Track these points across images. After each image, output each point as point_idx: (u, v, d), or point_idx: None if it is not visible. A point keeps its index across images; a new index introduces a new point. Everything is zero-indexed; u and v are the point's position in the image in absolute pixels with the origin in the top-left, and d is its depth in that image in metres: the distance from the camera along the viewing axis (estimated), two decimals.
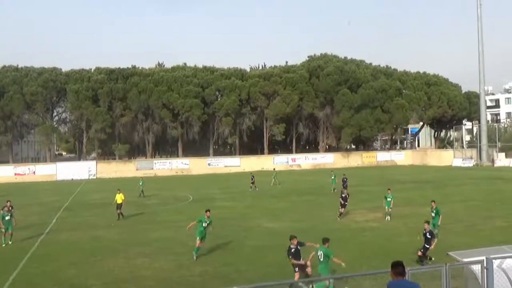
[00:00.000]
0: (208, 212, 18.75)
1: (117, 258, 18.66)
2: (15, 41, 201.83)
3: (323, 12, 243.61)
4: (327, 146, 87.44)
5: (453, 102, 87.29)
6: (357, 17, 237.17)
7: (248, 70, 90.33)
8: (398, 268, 7.04)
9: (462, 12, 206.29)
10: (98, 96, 75.84)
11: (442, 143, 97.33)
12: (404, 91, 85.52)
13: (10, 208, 24.81)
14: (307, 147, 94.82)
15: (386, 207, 25.05)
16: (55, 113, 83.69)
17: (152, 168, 74.92)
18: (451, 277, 8.68)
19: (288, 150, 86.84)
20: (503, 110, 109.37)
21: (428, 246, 15.92)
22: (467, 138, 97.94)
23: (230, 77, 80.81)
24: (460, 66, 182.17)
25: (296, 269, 13.54)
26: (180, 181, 60.64)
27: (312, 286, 13.11)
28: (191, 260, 17.79)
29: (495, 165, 68.97)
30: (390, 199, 25.07)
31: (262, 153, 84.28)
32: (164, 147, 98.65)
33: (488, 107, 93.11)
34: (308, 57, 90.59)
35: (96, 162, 76.17)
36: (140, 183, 42.43)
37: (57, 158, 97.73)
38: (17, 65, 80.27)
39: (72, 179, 69.01)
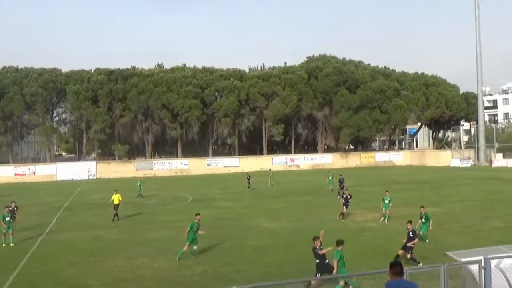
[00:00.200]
0: (198, 216, 18.73)
1: (117, 258, 18.72)
2: (15, 42, 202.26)
3: (321, 13, 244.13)
4: (325, 147, 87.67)
5: (451, 102, 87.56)
6: (356, 18, 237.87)
7: (247, 71, 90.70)
8: (396, 268, 7.08)
9: (460, 13, 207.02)
10: (98, 96, 76.02)
11: (440, 144, 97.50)
12: (402, 91, 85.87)
13: (15, 208, 25.15)
14: (305, 148, 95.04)
15: (384, 209, 24.90)
16: (55, 114, 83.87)
17: (152, 169, 75.21)
18: (449, 277, 8.71)
19: (287, 151, 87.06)
20: (501, 110, 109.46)
21: (413, 246, 16.28)
22: (465, 138, 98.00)
23: (229, 77, 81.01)
24: (458, 67, 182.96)
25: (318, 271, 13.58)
26: (179, 181, 60.77)
27: None
28: (191, 260, 17.89)
29: (492, 166, 69.31)
30: (388, 201, 24.91)
31: (261, 153, 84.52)
32: (164, 148, 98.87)
33: (486, 108, 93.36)
34: (306, 58, 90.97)
35: (96, 163, 76.51)
36: (138, 184, 42.46)
37: (57, 158, 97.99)
38: (17, 66, 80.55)
39: (72, 179, 69.28)
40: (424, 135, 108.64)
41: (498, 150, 73.95)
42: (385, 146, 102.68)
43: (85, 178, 70.66)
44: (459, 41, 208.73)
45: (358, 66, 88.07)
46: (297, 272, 15.46)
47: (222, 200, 38.06)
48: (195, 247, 18.29)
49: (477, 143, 73.57)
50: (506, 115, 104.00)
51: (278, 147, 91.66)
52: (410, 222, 17.09)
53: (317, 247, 13.80)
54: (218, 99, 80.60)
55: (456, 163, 73.51)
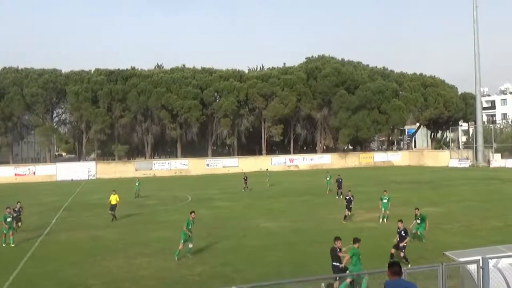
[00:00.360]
0: (193, 214, 18.84)
1: (116, 258, 18.80)
2: (15, 43, 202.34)
3: (320, 14, 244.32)
4: (324, 147, 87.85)
5: (450, 103, 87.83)
6: (354, 19, 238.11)
7: (246, 71, 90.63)
8: (394, 267, 7.11)
9: (458, 14, 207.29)
10: (97, 97, 76.17)
11: (439, 144, 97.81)
12: (401, 92, 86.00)
13: (21, 208, 25.26)
14: (304, 148, 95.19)
15: (383, 209, 24.76)
16: (55, 114, 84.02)
17: (151, 169, 75.43)
18: (448, 276, 8.73)
19: (286, 151, 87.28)
20: (499, 111, 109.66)
21: (405, 245, 16.41)
22: (463, 139, 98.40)
23: (228, 78, 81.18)
24: (457, 68, 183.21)
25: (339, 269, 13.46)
26: (179, 181, 60.94)
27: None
28: (190, 260, 17.99)
29: (491, 166, 69.54)
30: (386, 201, 24.80)
31: (260, 154, 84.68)
32: (163, 148, 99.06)
33: (484, 108, 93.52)
34: (305, 58, 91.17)
35: (96, 163, 76.71)
36: (137, 184, 42.49)
37: (57, 158, 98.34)
38: (17, 67, 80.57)
39: (72, 179, 69.45)
40: (422, 135, 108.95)
41: (496, 151, 74.18)
42: (384, 147, 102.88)
43: (85, 178, 70.82)
44: (457, 42, 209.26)
45: (357, 67, 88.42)
46: (295, 272, 15.66)
47: (221, 200, 38.19)
48: (190, 245, 18.38)
49: (475, 143, 73.76)
50: (504, 115, 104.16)
51: (277, 148, 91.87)
52: (401, 221, 17.26)
53: (338, 248, 13.78)
54: (217, 100, 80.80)
55: (454, 163, 73.72)
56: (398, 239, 16.68)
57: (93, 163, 76.92)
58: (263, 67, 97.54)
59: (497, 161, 70.92)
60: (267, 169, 55.57)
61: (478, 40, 72.46)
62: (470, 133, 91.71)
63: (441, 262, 9.16)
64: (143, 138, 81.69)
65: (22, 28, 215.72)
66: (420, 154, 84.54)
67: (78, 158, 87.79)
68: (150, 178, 66.97)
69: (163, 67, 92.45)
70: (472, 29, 72.88)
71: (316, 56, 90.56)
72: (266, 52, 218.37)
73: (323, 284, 12.73)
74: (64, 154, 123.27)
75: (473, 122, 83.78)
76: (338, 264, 13.62)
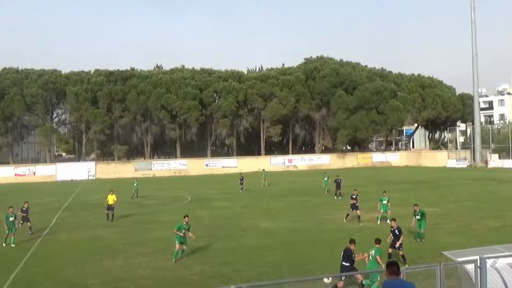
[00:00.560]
0: (186, 218, 18.66)
1: (116, 257, 18.83)
2: (15, 44, 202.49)
3: (319, 15, 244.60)
4: (323, 147, 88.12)
5: (447, 104, 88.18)
6: (353, 20, 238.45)
7: (245, 72, 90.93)
8: (392, 267, 7.17)
9: (456, 15, 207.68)
10: (97, 97, 76.43)
11: (437, 144, 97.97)
12: (399, 93, 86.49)
13: (28, 209, 25.06)
14: (303, 148, 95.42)
15: (382, 210, 24.58)
16: (55, 115, 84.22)
17: (151, 169, 75.74)
18: (445, 276, 8.75)
19: (284, 151, 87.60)
20: (497, 112, 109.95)
21: (401, 243, 16.48)
22: (461, 139, 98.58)
23: (227, 79, 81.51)
24: (454, 69, 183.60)
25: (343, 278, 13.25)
26: (178, 181, 61.05)
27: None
28: (189, 259, 18.06)
29: (488, 166, 69.88)
30: (386, 202, 24.61)
31: (259, 154, 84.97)
32: (163, 148, 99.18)
33: (482, 109, 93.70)
34: (304, 59, 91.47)
35: (96, 163, 76.97)
36: (135, 184, 42.40)
37: (57, 159, 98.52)
38: (18, 67, 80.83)
39: (72, 179, 69.69)
40: (420, 136, 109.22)
41: (494, 151, 74.53)
42: (382, 147, 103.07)
43: (85, 178, 71.06)
44: (455, 43, 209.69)
45: (355, 68, 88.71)
46: (294, 272, 15.77)
47: (220, 200, 38.24)
48: (184, 247, 18.36)
49: (473, 144, 74.14)
50: (502, 116, 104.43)
51: (276, 148, 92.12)
52: (394, 220, 17.42)
53: (352, 251, 13.75)
54: (216, 100, 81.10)
55: (452, 163, 74.05)
56: (392, 238, 16.73)
57: (93, 163, 77.17)
58: (262, 67, 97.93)
59: (494, 161, 71.30)
60: (263, 169, 55.82)
61: (476, 41, 72.98)
62: (468, 133, 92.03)
63: (439, 262, 9.24)
64: (143, 138, 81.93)
65: (22, 29, 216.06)
66: (418, 155, 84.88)
67: (78, 158, 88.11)
68: (149, 178, 67.27)
69: (162, 68, 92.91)
70: (470, 30, 73.27)
71: (315, 57, 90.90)
72: (265, 53, 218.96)
73: (325, 279, 12.55)
74: (64, 154, 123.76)
75: (470, 123, 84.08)
76: (348, 264, 13.56)
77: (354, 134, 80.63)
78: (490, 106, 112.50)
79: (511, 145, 69.94)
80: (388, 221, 24.11)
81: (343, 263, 13.64)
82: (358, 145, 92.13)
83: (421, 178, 52.69)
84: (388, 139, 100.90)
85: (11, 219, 22.10)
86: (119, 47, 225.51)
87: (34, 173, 72.25)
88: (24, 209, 24.88)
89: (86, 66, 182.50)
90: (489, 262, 8.88)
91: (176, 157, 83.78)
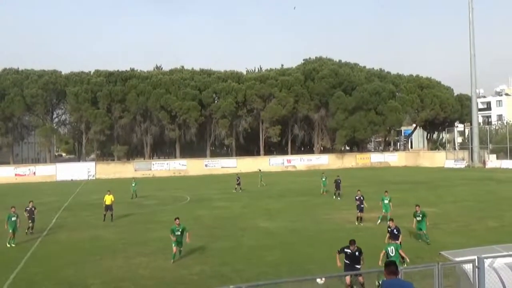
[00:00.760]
0: (177, 220, 18.39)
1: (116, 257, 18.87)
2: (15, 44, 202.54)
3: (318, 16, 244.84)
4: (322, 148, 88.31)
5: (446, 104, 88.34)
6: (352, 21, 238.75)
7: (245, 73, 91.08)
8: (391, 267, 7.17)
9: (454, 16, 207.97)
10: (97, 98, 76.64)
11: (435, 145, 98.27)
12: (397, 93, 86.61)
13: (33, 208, 24.80)
14: (302, 149, 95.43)
15: (384, 211, 24.46)
16: (55, 115, 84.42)
17: (150, 169, 75.98)
18: (444, 276, 8.75)
19: (283, 152, 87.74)
20: (494, 112, 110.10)
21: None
22: (459, 140, 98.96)
23: (226, 79, 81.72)
24: (453, 69, 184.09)
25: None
26: (177, 181, 61.16)
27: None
28: (189, 259, 18.10)
29: (486, 166, 70.10)
30: (387, 201, 24.53)
31: (258, 154, 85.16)
32: (162, 149, 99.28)
33: (480, 110, 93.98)
34: (303, 60, 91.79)
35: (95, 163, 77.17)
36: (133, 185, 42.35)
37: (57, 159, 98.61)
38: (18, 68, 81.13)
39: (72, 179, 69.90)
40: (418, 136, 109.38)
41: (492, 151, 74.79)
42: (381, 147, 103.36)
43: (85, 178, 71.26)
44: (453, 44, 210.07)
45: (354, 68, 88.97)
46: (293, 271, 15.81)
47: (219, 200, 38.34)
48: (180, 249, 18.29)
49: (471, 144, 74.26)
50: (500, 116, 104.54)
51: (275, 148, 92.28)
52: (392, 220, 17.47)
53: (355, 252, 13.60)
54: (215, 101, 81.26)
55: (450, 164, 74.23)
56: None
57: (93, 163, 77.40)
58: (261, 68, 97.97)
59: (492, 161, 71.58)
60: (259, 169, 56.01)
61: (474, 42, 73.13)
62: (466, 134, 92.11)
63: (437, 261, 9.30)
64: (142, 138, 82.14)
65: (22, 30, 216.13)
66: (417, 155, 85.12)
67: (78, 159, 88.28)
68: (149, 179, 67.50)
69: (162, 69, 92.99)
70: (468, 31, 73.51)
71: (314, 58, 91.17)
72: (264, 54, 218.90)
73: (318, 280, 12.38)
74: (64, 154, 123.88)
75: (468, 123, 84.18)
76: (359, 266, 13.36)
77: (352, 135, 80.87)
78: (488, 106, 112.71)
79: (509, 146, 70.26)
80: (380, 221, 24.40)
81: (356, 265, 13.43)
82: (357, 145, 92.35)
83: (420, 179, 52.82)
84: (387, 139, 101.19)
85: (13, 219, 22.00)
86: (119, 47, 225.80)
87: (34, 173, 72.47)
88: (28, 208, 24.72)
89: (86, 66, 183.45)
90: (487, 262, 8.85)
91: (175, 157, 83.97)
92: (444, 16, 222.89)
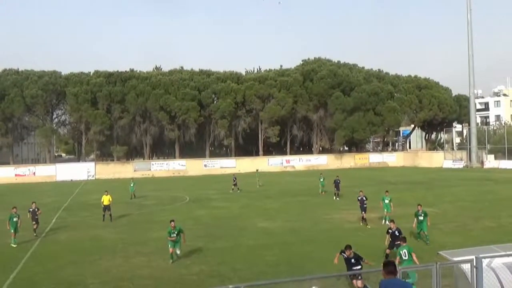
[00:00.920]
0: (172, 223, 18.43)
1: (115, 257, 19.03)
2: (15, 45, 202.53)
3: (317, 17, 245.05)
4: (320, 148, 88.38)
5: (444, 105, 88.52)
6: (351, 22, 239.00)
7: (244, 73, 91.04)
8: (389, 267, 7.19)
9: (453, 16, 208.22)
10: (97, 98, 76.71)
11: (433, 145, 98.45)
12: (396, 94, 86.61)
13: (37, 209, 24.77)
14: (301, 149, 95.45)
15: (385, 210, 24.47)
16: (54, 116, 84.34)
17: (150, 169, 76.13)
18: (442, 276, 8.78)
19: (282, 152, 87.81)
20: (492, 113, 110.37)
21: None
22: (457, 140, 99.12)
23: (226, 80, 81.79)
24: (451, 70, 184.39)
25: (359, 277, 12.83)
26: (177, 182, 61.31)
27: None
28: (188, 259, 18.30)
29: (484, 167, 70.29)
30: (388, 201, 24.52)
31: (257, 154, 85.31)
32: (161, 149, 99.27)
33: (478, 110, 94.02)
34: (302, 61, 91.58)
35: (95, 163, 77.25)
36: (131, 185, 42.42)
37: (56, 159, 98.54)
38: (18, 69, 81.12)
39: (72, 180, 69.91)
40: (417, 136, 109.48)
41: (490, 152, 74.97)
42: (379, 148, 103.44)
43: (84, 178, 71.34)
44: (451, 45, 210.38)
45: (353, 69, 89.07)
46: (292, 271, 15.96)
47: (218, 200, 38.52)
48: (178, 252, 18.40)
49: (469, 144, 74.36)
50: (498, 117, 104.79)
51: (273, 149, 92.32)
52: (393, 221, 17.46)
53: (352, 257, 13.56)
54: (215, 101, 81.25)
55: (448, 164, 74.40)
56: (390, 240, 16.61)
57: (93, 163, 77.49)
58: (260, 69, 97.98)
59: (490, 162, 71.77)
60: (257, 170, 56.18)
61: (472, 42, 73.17)
62: (464, 134, 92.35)
63: (436, 261, 9.39)
64: (142, 139, 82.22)
65: (22, 31, 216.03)
66: (415, 155, 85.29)
67: (78, 159, 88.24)
68: (148, 179, 67.63)
69: (161, 69, 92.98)
70: (466, 31, 73.59)
71: (312, 59, 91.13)
72: (263, 54, 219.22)
73: None
74: (63, 155, 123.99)
75: (467, 124, 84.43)
76: (355, 267, 13.35)
77: (351, 135, 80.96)
78: (486, 107, 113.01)
79: (507, 146, 70.49)
80: (387, 221, 23.73)
81: (358, 267, 13.38)
82: (355, 145, 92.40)
83: (418, 179, 53.01)
84: (385, 140, 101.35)
85: (15, 219, 22.14)
86: (118, 47, 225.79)
87: (34, 173, 72.56)
88: (31, 209, 24.71)
89: (85, 66, 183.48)
90: (485, 261, 8.89)
91: (175, 157, 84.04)
92: (442, 17, 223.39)
